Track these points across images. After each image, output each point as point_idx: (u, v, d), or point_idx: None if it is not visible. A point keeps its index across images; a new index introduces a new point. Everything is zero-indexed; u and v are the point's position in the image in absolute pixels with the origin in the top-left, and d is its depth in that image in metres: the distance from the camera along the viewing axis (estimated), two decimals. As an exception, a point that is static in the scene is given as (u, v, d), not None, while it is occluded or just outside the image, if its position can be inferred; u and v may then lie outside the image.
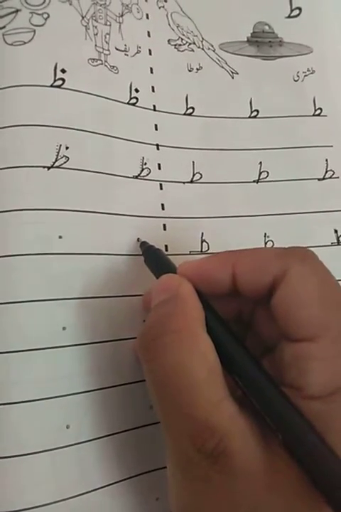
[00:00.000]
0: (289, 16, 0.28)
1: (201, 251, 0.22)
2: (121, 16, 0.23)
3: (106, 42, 0.22)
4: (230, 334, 0.15)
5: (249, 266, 0.16)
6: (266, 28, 0.27)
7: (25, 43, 0.20)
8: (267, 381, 0.14)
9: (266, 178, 0.24)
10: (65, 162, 0.19)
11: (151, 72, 0.24)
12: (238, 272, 0.16)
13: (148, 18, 0.24)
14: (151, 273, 0.19)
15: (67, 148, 0.20)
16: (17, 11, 0.21)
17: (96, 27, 0.22)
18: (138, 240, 0.21)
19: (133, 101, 0.22)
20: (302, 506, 0.13)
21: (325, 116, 0.26)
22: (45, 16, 0.21)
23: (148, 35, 0.24)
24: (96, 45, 0.22)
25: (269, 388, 0.14)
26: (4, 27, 0.20)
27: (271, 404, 0.14)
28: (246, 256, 0.16)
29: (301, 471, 0.13)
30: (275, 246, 0.23)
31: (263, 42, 0.27)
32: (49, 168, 0.19)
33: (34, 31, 0.21)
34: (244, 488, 0.13)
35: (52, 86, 0.20)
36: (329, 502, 0.12)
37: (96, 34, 0.22)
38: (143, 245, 0.20)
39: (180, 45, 0.25)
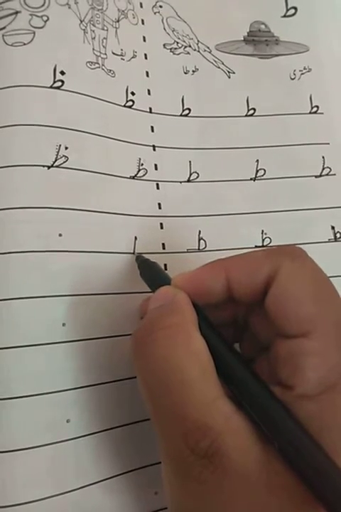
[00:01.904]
0: (285, 15, 0.29)
1: (198, 249, 0.23)
2: (118, 21, 0.25)
3: (104, 46, 0.24)
4: (225, 345, 0.16)
5: (242, 270, 0.17)
6: (263, 27, 0.29)
7: (25, 44, 0.22)
8: (263, 391, 0.15)
9: (263, 175, 0.25)
10: (64, 162, 0.21)
11: (147, 75, 0.25)
12: (231, 277, 0.17)
13: (143, 23, 0.26)
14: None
15: (66, 148, 0.21)
16: (17, 12, 0.22)
17: (93, 31, 0.24)
18: (136, 238, 0.22)
19: (130, 104, 0.24)
20: (299, 507, 0.13)
21: (322, 113, 0.27)
22: (45, 18, 0.22)
23: (144, 40, 0.25)
24: (93, 49, 0.23)
25: (265, 398, 0.14)
26: (4, 28, 0.22)
27: (267, 414, 0.14)
28: (238, 261, 0.17)
29: (298, 476, 0.13)
30: (272, 243, 0.24)
31: (259, 41, 0.28)
32: (49, 167, 0.21)
33: (34, 33, 0.22)
34: (240, 488, 0.13)
35: (51, 87, 0.22)
36: (327, 511, 0.13)
37: (94, 38, 0.24)
38: (138, 259, 0.21)
39: (175, 48, 0.26)
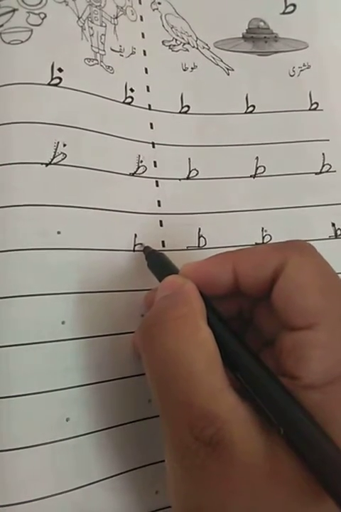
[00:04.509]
0: (284, 12, 0.29)
1: (198, 246, 0.24)
2: (116, 17, 0.25)
3: (102, 42, 0.24)
4: (233, 334, 0.16)
5: (250, 263, 0.17)
6: (261, 24, 0.29)
7: (22, 41, 0.22)
8: (270, 379, 0.15)
9: (262, 173, 0.26)
10: (62, 159, 0.21)
11: (146, 72, 0.25)
12: (239, 270, 0.17)
13: (142, 20, 0.26)
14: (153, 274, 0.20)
15: (64, 145, 0.21)
16: (14, 10, 0.22)
17: (91, 28, 0.24)
18: (135, 236, 0.22)
19: (129, 100, 0.24)
20: (303, 497, 0.14)
21: (321, 110, 0.27)
22: (42, 15, 0.23)
23: (143, 37, 0.26)
24: (92, 46, 0.24)
25: (272, 385, 0.15)
26: (1, 26, 0.22)
27: (274, 400, 0.14)
28: (246, 253, 0.17)
29: (303, 465, 0.13)
30: (272, 240, 0.25)
31: (258, 38, 0.28)
32: (47, 164, 0.21)
33: (31, 30, 0.22)
34: (243, 476, 0.14)
35: (49, 84, 0.22)
36: (334, 499, 0.13)
37: (92, 35, 0.24)
38: (146, 250, 0.21)
39: (174, 45, 0.26)
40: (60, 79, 0.22)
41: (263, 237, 0.25)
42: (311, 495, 0.14)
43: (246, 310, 0.19)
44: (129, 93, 0.24)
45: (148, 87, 0.25)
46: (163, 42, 0.26)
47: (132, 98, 0.24)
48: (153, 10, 0.26)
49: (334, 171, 0.26)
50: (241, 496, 0.14)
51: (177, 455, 0.15)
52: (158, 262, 0.20)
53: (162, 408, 0.15)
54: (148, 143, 0.24)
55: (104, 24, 0.24)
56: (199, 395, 0.14)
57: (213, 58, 0.27)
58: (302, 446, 0.14)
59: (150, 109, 0.25)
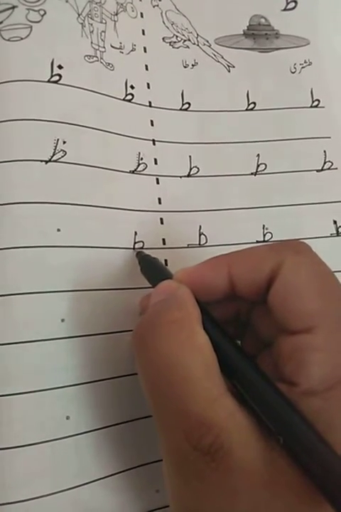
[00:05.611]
0: (285, 9, 0.29)
1: (199, 244, 0.23)
2: (116, 14, 0.25)
3: (102, 39, 0.24)
4: (229, 341, 0.16)
5: (245, 265, 0.17)
6: (262, 20, 0.29)
7: (22, 38, 0.22)
8: (268, 387, 0.15)
9: (263, 170, 0.25)
10: (62, 156, 0.21)
11: (146, 69, 0.25)
12: (234, 273, 0.17)
13: (142, 16, 0.26)
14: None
15: (64, 142, 0.21)
16: (14, 7, 0.22)
17: (91, 24, 0.24)
18: (136, 234, 0.22)
19: (129, 97, 0.24)
20: (302, 505, 0.13)
21: (323, 107, 0.27)
22: (42, 12, 0.23)
23: (143, 33, 0.26)
24: (92, 43, 0.24)
25: (270, 393, 0.14)
26: (1, 22, 0.22)
27: (272, 409, 0.14)
28: (241, 256, 0.17)
29: (303, 473, 0.13)
30: (273, 238, 0.24)
31: (259, 34, 0.28)
32: (47, 162, 0.21)
33: (31, 27, 0.22)
34: (243, 485, 0.13)
35: (49, 81, 0.22)
36: (333, 507, 0.13)
37: (92, 31, 0.24)
38: (139, 255, 0.21)
39: (174, 42, 0.26)
40: (60, 76, 0.22)
41: (264, 235, 0.24)
42: (310, 502, 0.13)
43: (243, 313, 0.19)
44: (129, 90, 0.24)
45: (148, 84, 0.25)
46: (163, 38, 0.26)
47: (132, 95, 0.24)
48: (154, 6, 0.26)
49: (336, 169, 0.26)
50: (240, 504, 0.13)
51: (174, 464, 0.14)
52: (151, 267, 0.20)
53: (157, 416, 0.15)
54: (149, 140, 0.24)
55: (104, 21, 0.24)
56: (196, 401, 0.14)
57: (214, 55, 0.27)
58: (302, 455, 0.13)
59: (150, 106, 0.25)
